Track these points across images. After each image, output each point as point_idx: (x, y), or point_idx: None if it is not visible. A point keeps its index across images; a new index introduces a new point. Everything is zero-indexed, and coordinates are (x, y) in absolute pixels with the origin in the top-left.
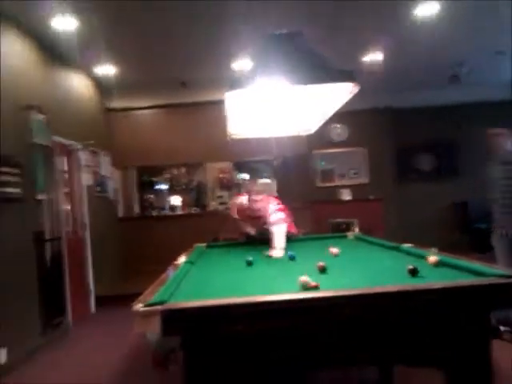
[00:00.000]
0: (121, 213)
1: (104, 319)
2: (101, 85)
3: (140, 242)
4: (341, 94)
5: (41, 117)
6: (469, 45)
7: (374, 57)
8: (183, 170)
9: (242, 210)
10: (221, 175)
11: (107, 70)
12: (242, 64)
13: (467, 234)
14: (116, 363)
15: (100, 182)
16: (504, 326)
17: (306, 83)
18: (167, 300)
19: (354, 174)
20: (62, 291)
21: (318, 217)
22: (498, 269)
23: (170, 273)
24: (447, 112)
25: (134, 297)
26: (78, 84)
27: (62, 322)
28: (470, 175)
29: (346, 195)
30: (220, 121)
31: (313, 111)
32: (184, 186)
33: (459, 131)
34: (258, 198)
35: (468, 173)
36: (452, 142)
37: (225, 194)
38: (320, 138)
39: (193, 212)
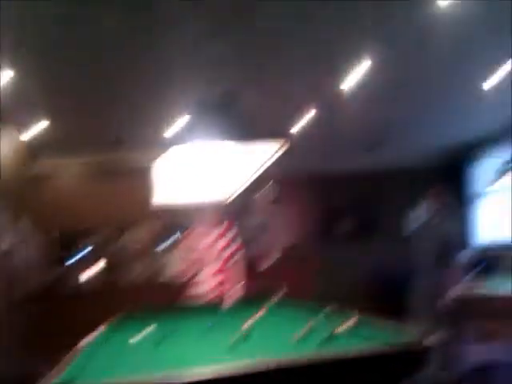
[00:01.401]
0: (37, 281)
1: None
2: (23, 142)
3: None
4: (269, 153)
5: None
6: (388, 114)
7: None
8: (109, 234)
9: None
10: (139, 243)
11: (31, 126)
12: (176, 127)
13: (387, 295)
14: None
15: (14, 250)
16: None
17: (238, 141)
18: (72, 381)
19: (278, 237)
20: None
21: (247, 282)
22: (412, 332)
23: (83, 346)
24: (368, 177)
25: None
26: None
27: None
28: (389, 239)
29: (271, 258)
30: (150, 183)
31: (241, 172)
32: (109, 252)
33: (379, 195)
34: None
35: (387, 236)
36: (372, 207)
37: (144, 262)
38: (247, 201)
39: (107, 281)
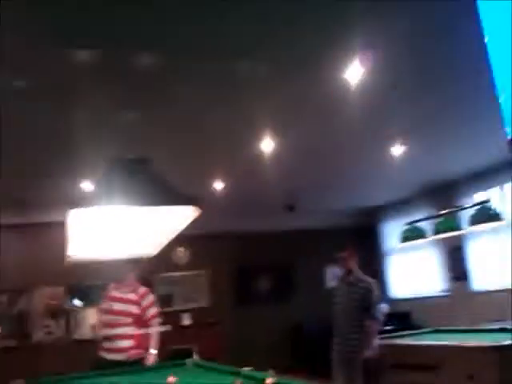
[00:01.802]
0: None
1: None
2: None
3: None
4: (183, 217)
5: None
6: (301, 179)
7: (219, 184)
8: (5, 295)
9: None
10: (50, 301)
11: None
12: (86, 185)
13: (304, 355)
14: None
15: None
16: None
17: (148, 205)
18: None
19: (194, 297)
20: None
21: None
22: None
23: None
24: (285, 237)
25: None
26: None
27: None
28: (306, 298)
29: (186, 320)
30: (55, 243)
31: (155, 234)
32: (3, 315)
33: (295, 255)
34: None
35: (303, 296)
36: (288, 266)
37: (52, 322)
38: (162, 262)
39: (8, 345)
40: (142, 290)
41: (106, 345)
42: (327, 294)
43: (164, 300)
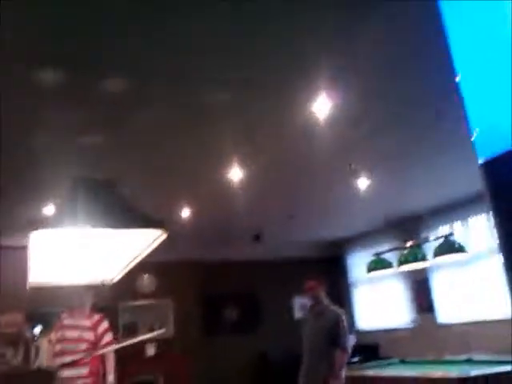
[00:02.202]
0: None
1: None
2: None
3: None
4: (147, 241)
5: None
6: (268, 209)
7: (185, 212)
8: None
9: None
10: (7, 329)
11: None
12: (49, 209)
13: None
14: None
15: None
16: None
17: (112, 227)
18: None
19: (160, 327)
20: None
21: (121, 375)
22: None
23: None
24: (252, 267)
25: None
26: None
27: None
28: (272, 328)
29: (151, 350)
30: (13, 267)
31: (118, 258)
32: None
33: (261, 285)
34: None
35: (270, 326)
36: (255, 295)
37: (9, 351)
38: (125, 289)
39: None
40: (97, 316)
41: (64, 374)
42: (295, 324)
43: (128, 329)
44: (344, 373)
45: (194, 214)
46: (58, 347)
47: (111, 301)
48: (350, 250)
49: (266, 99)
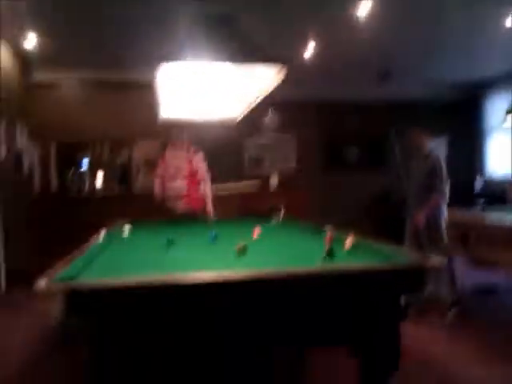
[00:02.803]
0: (37, 190)
1: (15, 297)
2: (22, 54)
3: (57, 222)
4: (270, 78)
5: None
6: (400, 45)
7: (309, 48)
8: (108, 147)
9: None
10: (148, 155)
11: (29, 39)
12: (177, 43)
13: (389, 221)
14: (25, 342)
15: (14, 157)
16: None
17: (235, 62)
18: (75, 277)
19: (283, 162)
20: None
21: (245, 204)
22: (410, 255)
23: (85, 248)
24: (378, 107)
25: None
26: None
27: None
28: (392, 169)
29: (274, 183)
30: (151, 99)
31: (242, 96)
32: (108, 165)
33: (384, 127)
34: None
35: (390, 166)
36: (379, 136)
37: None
38: (251, 126)
39: (116, 193)
40: (193, 148)
41: (170, 201)
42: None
43: (254, 163)
44: (443, 216)
45: (320, 51)
46: (163, 173)
47: (237, 137)
48: (487, 93)
49: None
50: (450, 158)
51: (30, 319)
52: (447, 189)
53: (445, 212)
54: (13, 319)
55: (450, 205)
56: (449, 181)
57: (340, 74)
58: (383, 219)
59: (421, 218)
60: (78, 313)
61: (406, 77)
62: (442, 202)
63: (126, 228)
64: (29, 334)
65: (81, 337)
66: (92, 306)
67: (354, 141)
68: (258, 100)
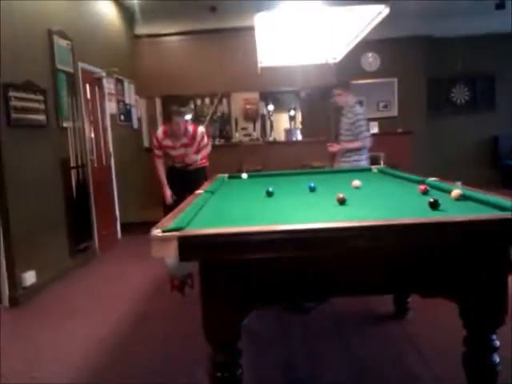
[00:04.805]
0: (145, 142)
1: (129, 245)
2: (126, 10)
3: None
4: (370, 17)
5: (64, 42)
6: None
7: None
8: (208, 100)
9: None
10: (247, 106)
11: None
12: None
13: (497, 169)
14: (139, 285)
15: (124, 111)
16: None
17: (333, 3)
18: (184, 227)
19: (384, 106)
20: (89, 217)
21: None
22: None
23: (190, 202)
24: (487, 42)
25: (156, 224)
26: (102, 9)
27: (89, 247)
28: (506, 110)
29: (374, 128)
30: (248, 49)
31: (340, 37)
32: (208, 117)
33: (498, 63)
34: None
35: (503, 108)
36: (489, 75)
37: (250, 125)
38: (350, 68)
39: (216, 143)
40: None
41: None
42: None
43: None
44: None
45: None
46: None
47: (337, 79)
48: None
49: None
50: None
51: (144, 264)
52: None
53: None
54: (128, 262)
55: None
56: None
57: (442, 8)
58: (493, 165)
59: None
60: (189, 259)
61: None
62: None
63: (226, 180)
64: (142, 275)
65: (192, 281)
66: (203, 252)
67: (462, 80)
68: (359, 39)
